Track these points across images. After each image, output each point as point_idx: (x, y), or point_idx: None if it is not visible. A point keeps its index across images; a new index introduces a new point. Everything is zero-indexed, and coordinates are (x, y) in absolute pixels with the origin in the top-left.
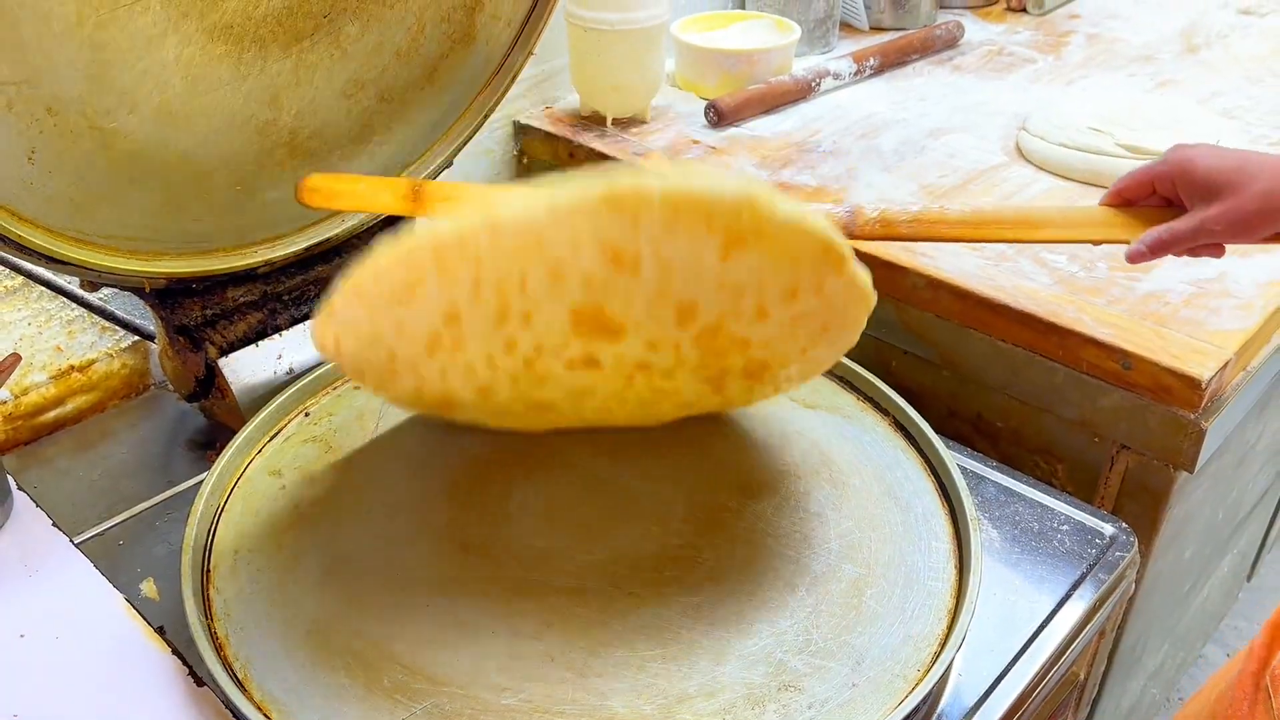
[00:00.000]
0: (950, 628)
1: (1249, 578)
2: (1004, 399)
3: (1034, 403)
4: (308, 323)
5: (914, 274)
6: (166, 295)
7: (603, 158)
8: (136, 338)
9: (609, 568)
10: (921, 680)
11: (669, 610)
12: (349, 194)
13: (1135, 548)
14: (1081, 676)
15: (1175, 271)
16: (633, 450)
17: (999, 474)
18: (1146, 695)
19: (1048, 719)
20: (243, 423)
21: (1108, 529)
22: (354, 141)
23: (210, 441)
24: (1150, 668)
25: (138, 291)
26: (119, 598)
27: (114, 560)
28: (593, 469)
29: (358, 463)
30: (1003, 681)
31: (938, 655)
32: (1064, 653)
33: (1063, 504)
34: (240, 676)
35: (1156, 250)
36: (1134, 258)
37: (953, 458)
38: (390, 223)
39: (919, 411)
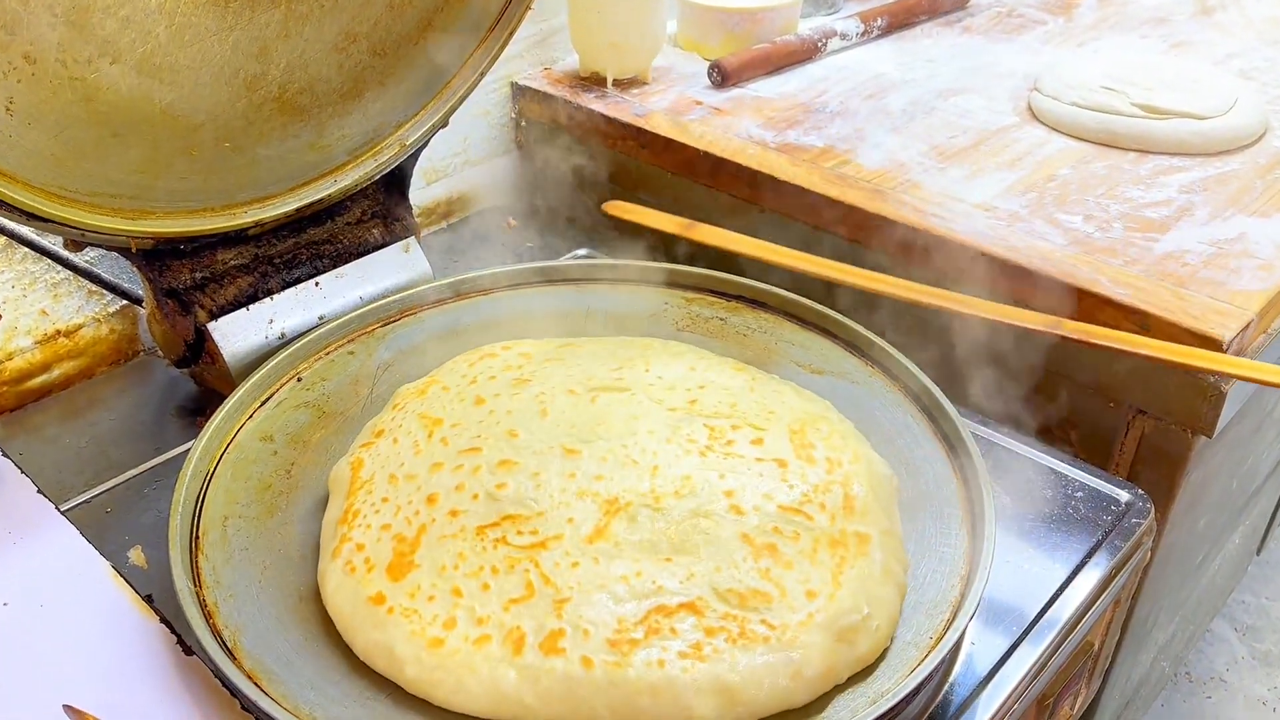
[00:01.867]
0: (963, 595)
1: (1258, 551)
2: (1016, 363)
3: (1047, 367)
4: (299, 286)
5: (925, 235)
6: (154, 257)
7: (603, 119)
8: (124, 302)
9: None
10: (934, 648)
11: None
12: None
13: (1152, 515)
14: (1096, 646)
15: (1194, 231)
16: None
17: (1011, 440)
18: (1156, 669)
19: (1062, 689)
20: (233, 388)
21: (1123, 496)
22: (346, 98)
23: (200, 408)
24: (1160, 641)
25: (124, 252)
26: (106, 565)
27: (101, 528)
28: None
29: (352, 428)
30: (1016, 650)
31: (950, 622)
32: (1079, 622)
33: (1077, 470)
34: (230, 645)
35: None
36: None
37: (965, 423)
38: (385, 184)
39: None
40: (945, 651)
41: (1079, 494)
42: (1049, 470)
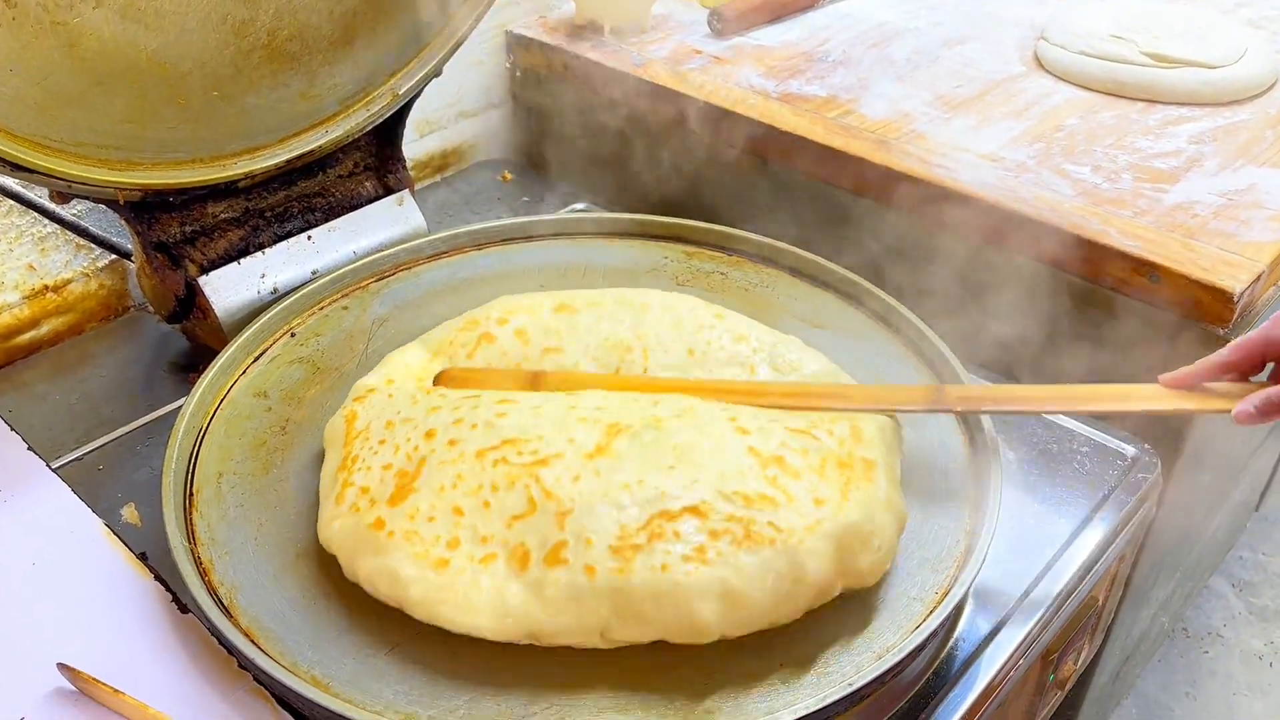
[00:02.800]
0: (968, 550)
1: (1256, 507)
2: (1020, 315)
3: (1051, 320)
4: (291, 240)
5: (930, 186)
6: (142, 209)
7: (599, 68)
8: (113, 256)
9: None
10: (939, 603)
11: None
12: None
13: (1158, 470)
14: (1100, 601)
15: (1204, 182)
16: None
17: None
18: (1155, 624)
19: (1066, 644)
20: (225, 344)
21: (1129, 450)
22: (336, 45)
23: (193, 364)
24: (1160, 597)
25: (111, 204)
26: (98, 523)
27: (93, 485)
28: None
29: (347, 384)
30: (1021, 606)
31: (956, 577)
32: (1084, 578)
33: (1082, 424)
34: (226, 603)
35: (1267, 412)
36: (1242, 418)
37: (971, 378)
38: (377, 135)
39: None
40: (951, 607)
41: (1084, 449)
42: (1055, 424)
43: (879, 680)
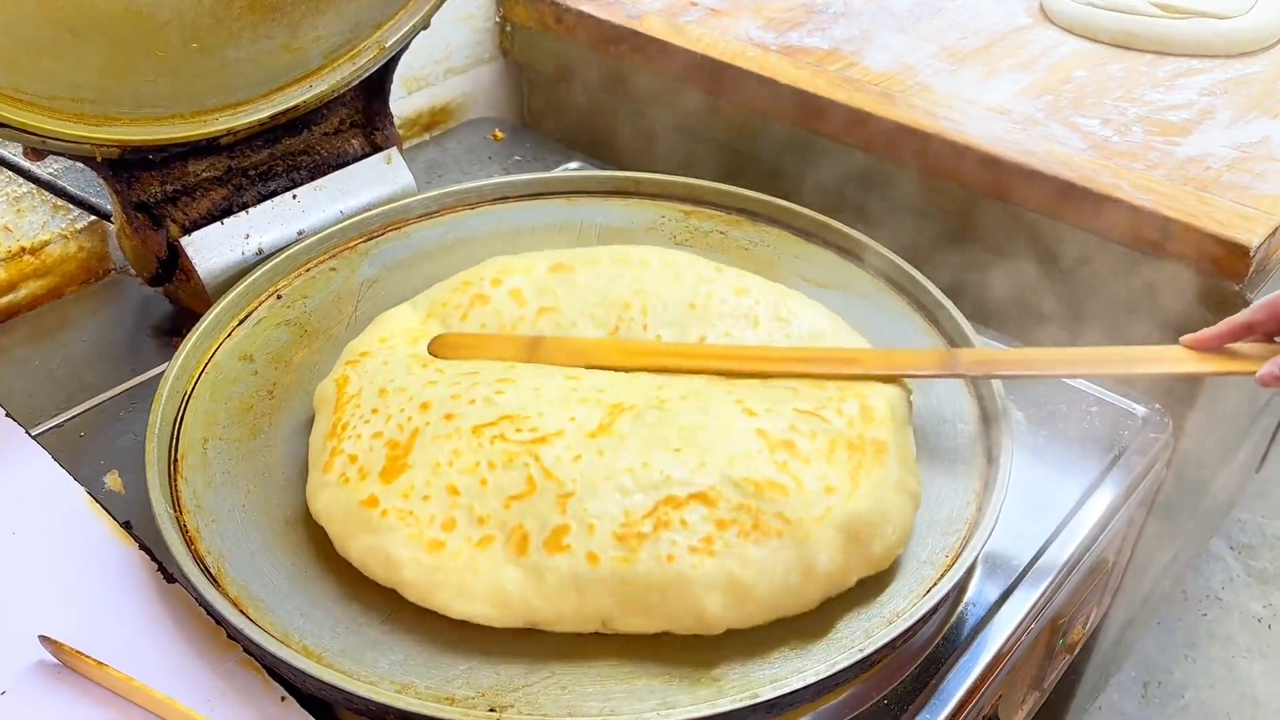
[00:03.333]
0: (979, 512)
1: (1258, 469)
2: (1028, 272)
3: (1060, 277)
4: (275, 199)
5: (937, 140)
6: (121, 167)
7: (594, 22)
8: (93, 217)
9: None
10: (950, 567)
11: None
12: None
13: (1170, 430)
14: (1110, 564)
15: (1217, 135)
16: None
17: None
18: (1158, 587)
19: (1075, 608)
20: (209, 307)
21: (1139, 410)
22: None
23: (176, 328)
24: (1164, 560)
25: (88, 161)
26: (81, 491)
27: (75, 453)
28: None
29: (336, 348)
30: (1031, 570)
31: (967, 540)
32: (1094, 541)
33: (1091, 384)
34: (213, 572)
35: None
36: (1267, 380)
37: (978, 337)
38: (364, 90)
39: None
40: (962, 571)
41: (1094, 408)
42: (1064, 384)
43: (889, 646)
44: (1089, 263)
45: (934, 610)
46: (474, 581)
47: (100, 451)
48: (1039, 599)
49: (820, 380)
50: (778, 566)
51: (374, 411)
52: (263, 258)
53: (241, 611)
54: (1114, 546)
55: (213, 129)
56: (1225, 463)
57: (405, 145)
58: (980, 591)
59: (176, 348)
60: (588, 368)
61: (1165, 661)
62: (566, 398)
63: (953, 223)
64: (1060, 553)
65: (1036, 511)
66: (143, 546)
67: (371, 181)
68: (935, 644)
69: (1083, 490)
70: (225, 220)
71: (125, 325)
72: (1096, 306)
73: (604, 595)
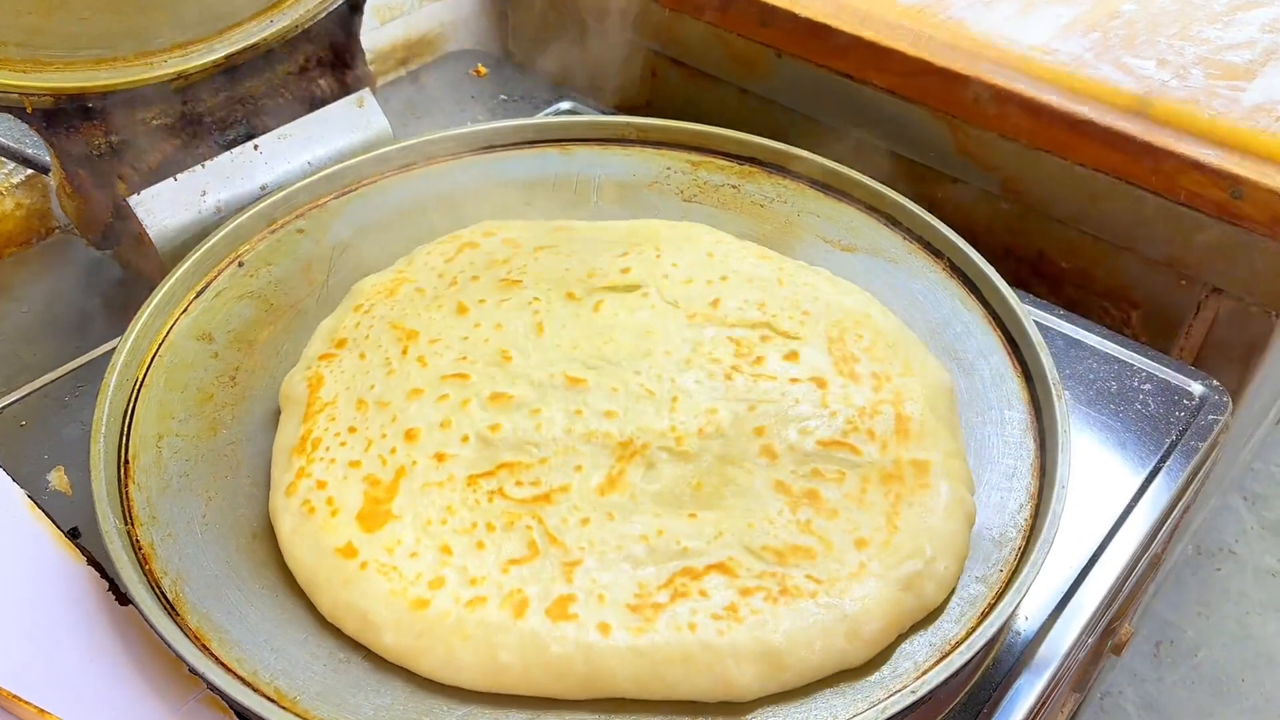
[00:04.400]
0: (1035, 516)
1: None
2: (1075, 234)
3: (1112, 239)
4: (235, 150)
5: (976, 84)
6: (57, 118)
7: None
8: (29, 171)
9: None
10: (1007, 587)
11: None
12: None
13: (1229, 409)
14: (1160, 555)
15: None
16: None
17: (1067, 324)
18: (1175, 547)
19: (1127, 608)
20: (163, 275)
21: (1196, 388)
22: None
23: (131, 297)
24: (1195, 524)
25: (18, 113)
26: (19, 494)
27: (15, 445)
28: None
29: (305, 324)
30: (1089, 575)
31: (1023, 552)
32: (1154, 536)
33: (1142, 358)
34: (171, 598)
35: None
36: None
37: (1025, 309)
38: (332, 24)
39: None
40: (1020, 596)
41: (1146, 386)
42: (1112, 358)
43: (944, 685)
44: (1146, 225)
45: (992, 641)
46: (463, 651)
47: (43, 444)
48: (1098, 609)
49: (854, 375)
50: (815, 630)
51: (351, 431)
52: (222, 217)
53: (204, 646)
54: (1167, 536)
55: (161, 72)
56: (1261, 420)
57: (380, 82)
58: (1032, 597)
59: (131, 320)
60: None
61: (1177, 620)
62: (571, 428)
63: (991, 178)
64: (1119, 554)
65: (1089, 506)
66: (92, 561)
67: (342, 127)
68: (984, 668)
69: (1139, 482)
70: (179, 176)
71: (72, 293)
72: (1155, 276)
73: (617, 667)
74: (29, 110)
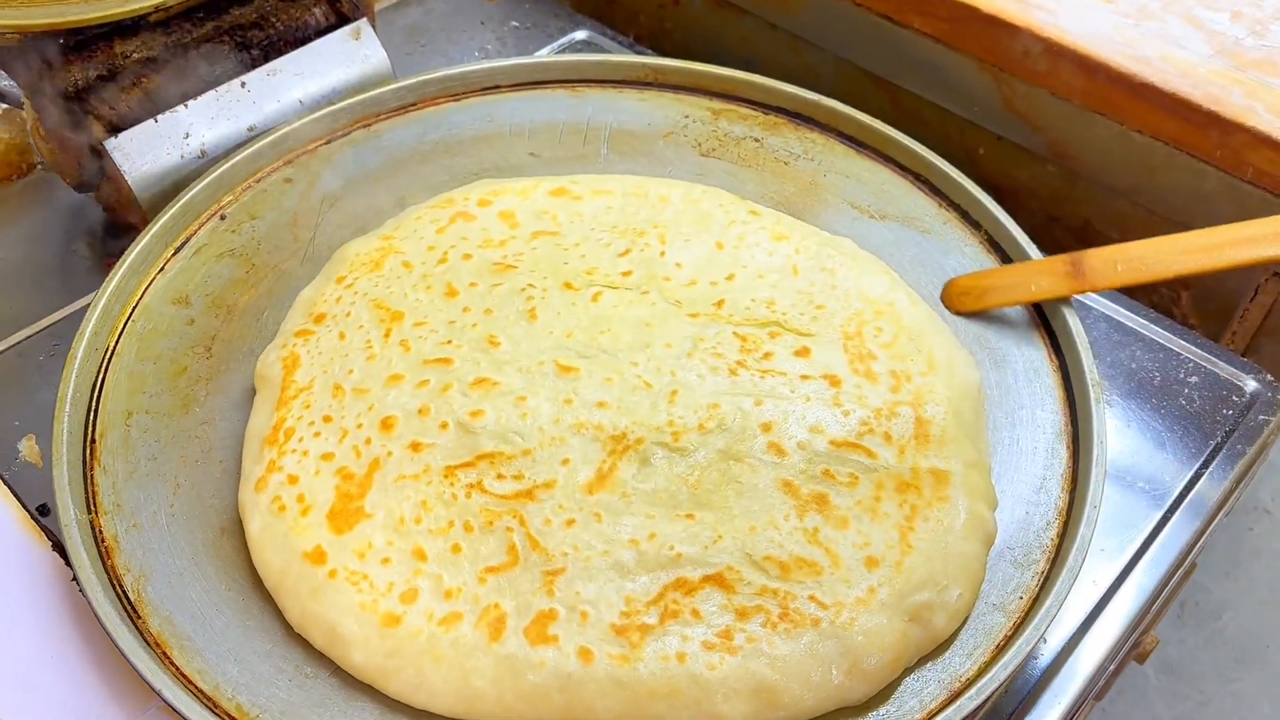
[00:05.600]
0: (1062, 537)
1: None
2: (1126, 206)
3: (1167, 213)
4: (220, 89)
5: (1026, 34)
6: (25, 55)
7: None
8: (3, 106)
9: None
10: (1025, 618)
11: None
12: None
13: None
14: (1197, 559)
15: None
16: None
17: (1111, 303)
18: None
19: (1157, 616)
20: (146, 221)
21: (1249, 383)
22: None
23: (117, 239)
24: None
25: None
26: None
27: None
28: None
29: (288, 287)
30: (1119, 591)
31: (1046, 576)
32: (1193, 548)
33: (1191, 346)
34: (133, 598)
35: None
36: None
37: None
38: None
39: (1013, 216)
40: (1042, 631)
41: (1193, 378)
42: (1157, 345)
43: None
44: (1206, 201)
45: (1008, 678)
46: (435, 674)
47: (15, 409)
48: (1125, 629)
49: (870, 374)
50: (812, 663)
51: (326, 420)
52: (206, 162)
53: (164, 654)
54: (1204, 544)
55: (136, 6)
56: None
57: (380, 6)
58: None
59: (110, 270)
60: None
61: (1204, 579)
62: (559, 418)
63: (1039, 139)
64: (1152, 572)
65: (1123, 513)
66: (56, 545)
67: (337, 62)
68: (995, 698)
69: (1179, 487)
70: (159, 117)
71: (53, 237)
72: None
73: (598, 701)
74: None
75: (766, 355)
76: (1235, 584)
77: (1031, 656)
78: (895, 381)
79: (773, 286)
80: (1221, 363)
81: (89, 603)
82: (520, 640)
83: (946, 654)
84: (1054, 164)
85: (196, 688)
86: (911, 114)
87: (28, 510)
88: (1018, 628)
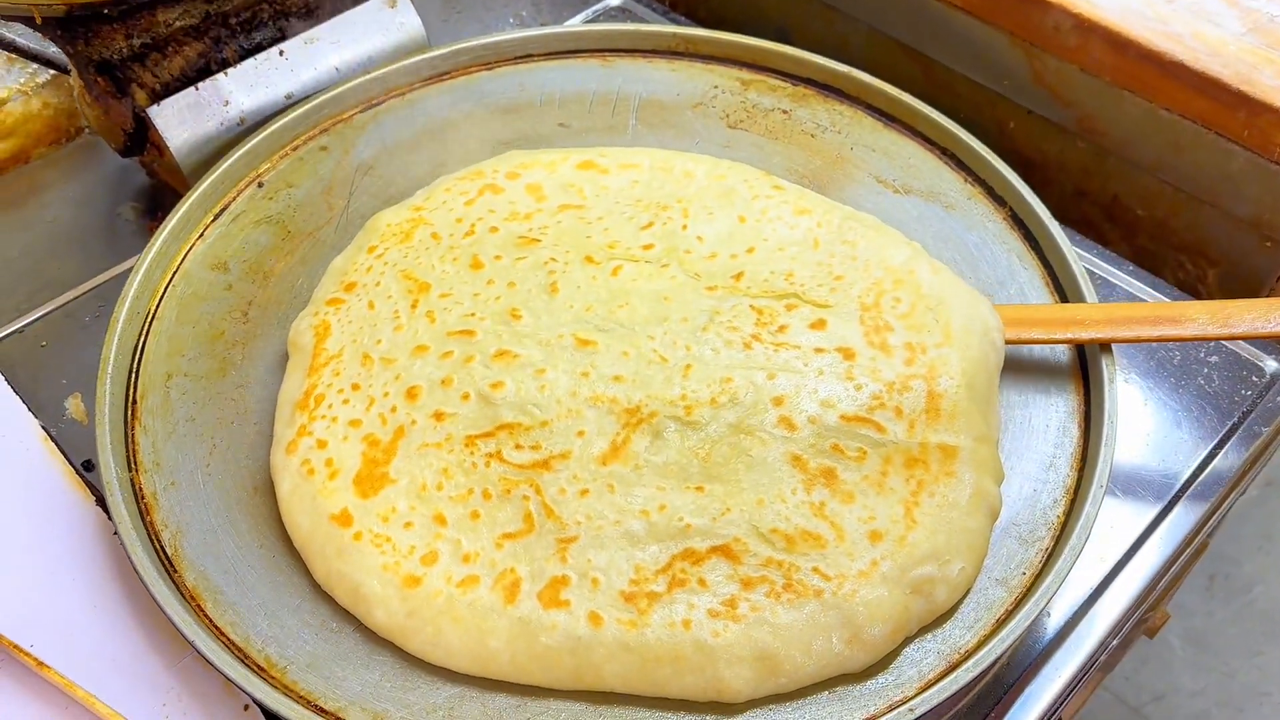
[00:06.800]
0: (1067, 516)
1: None
2: (1154, 182)
3: (1194, 191)
4: (260, 56)
5: (1057, 10)
6: (72, 24)
7: None
8: (53, 72)
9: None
10: (1026, 593)
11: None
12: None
13: None
14: (1209, 537)
15: None
16: None
17: (1135, 280)
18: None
19: (1166, 594)
20: (188, 187)
21: (1269, 363)
22: None
23: (160, 203)
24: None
25: (27, 22)
26: (35, 426)
27: (34, 368)
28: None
29: (322, 254)
30: (1127, 565)
31: (1050, 553)
32: (1204, 526)
33: None
34: (170, 552)
35: None
36: None
37: (1084, 270)
38: None
39: (1039, 191)
40: (1042, 605)
41: (1213, 358)
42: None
43: (951, 700)
44: (1233, 181)
45: (1005, 652)
46: (453, 632)
47: (63, 367)
48: (1129, 606)
49: (885, 346)
50: (813, 632)
51: (354, 388)
52: (246, 128)
53: (199, 606)
54: (1218, 523)
55: None
56: None
57: None
58: (1057, 597)
59: (153, 232)
60: None
61: (1235, 553)
62: (576, 391)
63: (1068, 114)
64: (1160, 549)
65: (1135, 492)
66: (100, 501)
67: (372, 30)
68: (996, 669)
69: (1192, 466)
70: (200, 85)
71: (99, 200)
72: (1237, 235)
73: (607, 662)
74: (38, 20)
75: (782, 328)
76: (1266, 558)
77: (1034, 630)
78: (910, 354)
79: (792, 259)
80: (1243, 344)
81: (128, 556)
82: (534, 604)
83: (947, 626)
84: (1083, 139)
85: (228, 639)
86: (944, 86)
87: (73, 465)
88: (1019, 602)
